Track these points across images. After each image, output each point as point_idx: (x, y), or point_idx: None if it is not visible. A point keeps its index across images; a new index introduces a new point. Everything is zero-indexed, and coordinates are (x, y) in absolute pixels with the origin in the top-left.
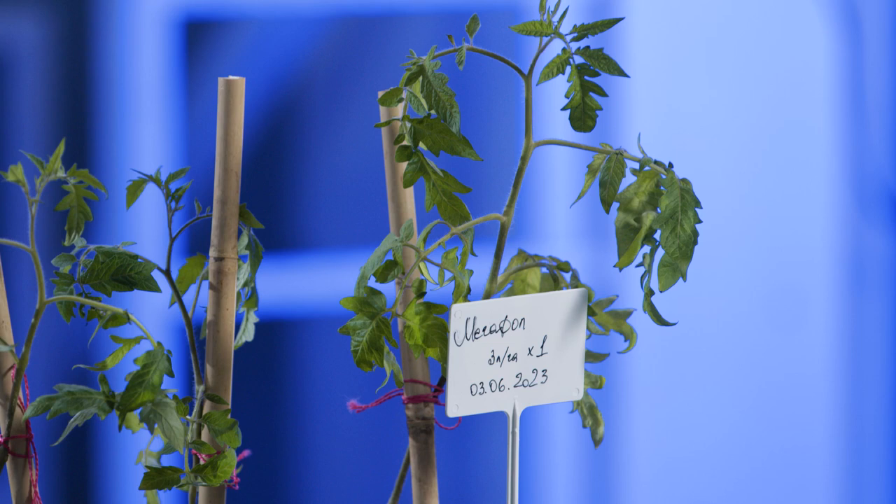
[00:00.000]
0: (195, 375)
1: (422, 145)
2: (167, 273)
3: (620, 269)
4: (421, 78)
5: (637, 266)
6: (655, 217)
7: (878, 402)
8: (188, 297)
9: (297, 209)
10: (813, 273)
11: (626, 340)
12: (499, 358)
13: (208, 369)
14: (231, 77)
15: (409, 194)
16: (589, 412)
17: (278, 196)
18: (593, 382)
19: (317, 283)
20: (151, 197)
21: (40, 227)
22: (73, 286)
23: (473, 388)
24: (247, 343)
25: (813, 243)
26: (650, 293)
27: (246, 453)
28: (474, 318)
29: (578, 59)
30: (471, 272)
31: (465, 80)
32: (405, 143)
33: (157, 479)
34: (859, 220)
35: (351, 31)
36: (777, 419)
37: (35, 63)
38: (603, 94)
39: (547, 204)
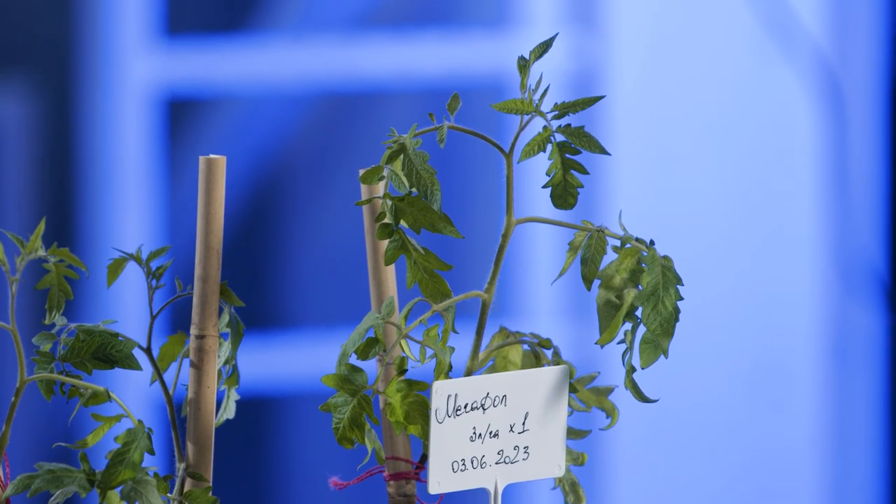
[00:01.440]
0: (176, 453)
1: (403, 223)
2: (148, 351)
3: (602, 346)
4: (402, 156)
5: (619, 343)
6: (637, 294)
7: (863, 480)
8: (169, 375)
9: (278, 287)
10: (797, 350)
11: (607, 417)
12: (480, 435)
13: (189, 447)
14: (212, 156)
15: (390, 272)
16: (571, 489)
17: (260, 274)
18: (575, 459)
19: (298, 360)
20: (132, 275)
21: (21, 305)
22: (54, 364)
23: (455, 465)
24: (228, 420)
25: (797, 320)
26: (632, 370)
27: None
28: (456, 395)
29: (560, 137)
30: (452, 349)
31: (446, 158)
32: (386, 220)
33: None
34: (844, 298)
35: (333, 110)
36: (761, 495)
37: (18, 140)
38: (584, 171)
39: (528, 281)
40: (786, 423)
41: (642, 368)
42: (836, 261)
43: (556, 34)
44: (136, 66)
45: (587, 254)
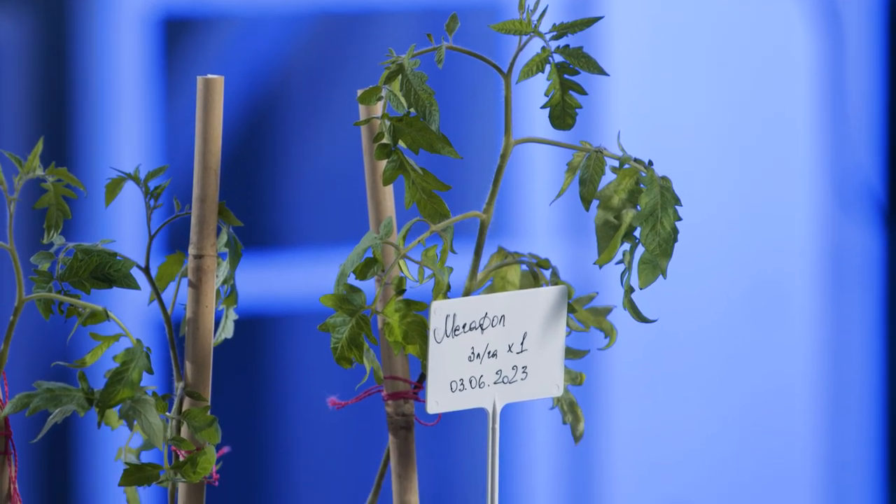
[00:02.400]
0: (175, 372)
1: (401, 143)
2: (146, 270)
3: (600, 267)
4: (400, 76)
5: (617, 263)
6: (635, 215)
7: (860, 397)
8: (167, 295)
9: (276, 207)
10: (793, 269)
11: (606, 337)
12: (479, 355)
13: (188, 366)
14: (209, 76)
15: (388, 192)
16: (569, 408)
17: (258, 194)
18: (573, 379)
19: (297, 280)
20: (130, 195)
21: (19, 225)
22: (52, 284)
23: (453, 385)
24: (226, 340)
25: (794, 239)
26: (630, 290)
27: (226, 450)
28: (454, 315)
29: (558, 58)
30: (450, 269)
31: (444, 79)
32: (384, 141)
33: (136, 475)
34: (839, 216)
35: (331, 29)
36: (758, 414)
37: (14, 62)
38: (583, 92)
39: (527, 201)
40: (782, 342)
41: (640, 288)
42: (832, 179)
43: None
44: None
45: (585, 174)
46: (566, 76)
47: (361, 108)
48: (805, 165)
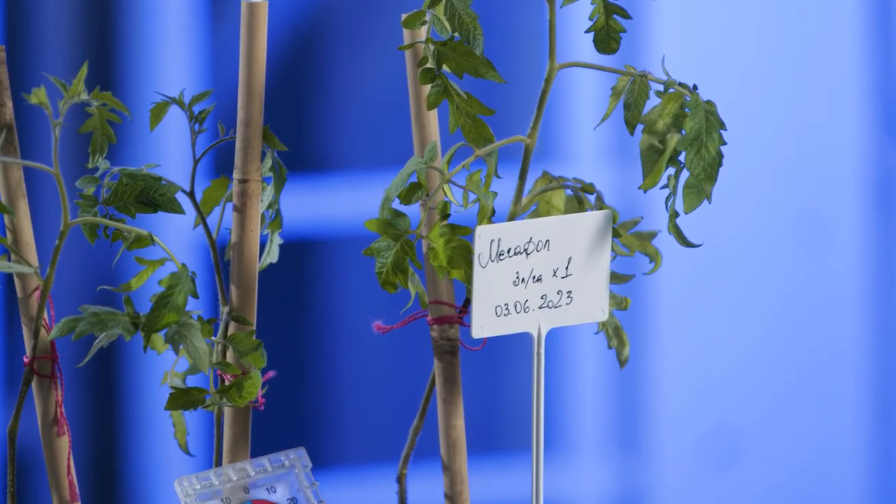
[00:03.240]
0: (220, 297)
1: (445, 68)
2: (191, 195)
3: (645, 191)
4: (444, 0)
5: (662, 188)
6: (680, 139)
7: None
8: (212, 220)
9: (321, 131)
10: (840, 194)
11: (651, 261)
12: (523, 279)
13: (233, 290)
14: (254, 0)
15: (432, 117)
16: (614, 333)
17: (303, 118)
18: (618, 303)
19: (341, 203)
20: (175, 119)
21: (64, 149)
22: (98, 208)
23: (498, 310)
24: (271, 264)
25: (840, 165)
26: (675, 215)
27: (271, 374)
28: (499, 239)
29: None
30: (495, 194)
31: (488, 2)
32: (429, 65)
33: (182, 399)
34: (887, 141)
35: None
36: (804, 339)
37: None
38: (627, 16)
39: (571, 126)
40: (828, 268)
41: (685, 213)
42: (879, 104)
43: None
44: None
45: (630, 98)
46: (610, 0)
47: (406, 32)
48: (852, 90)
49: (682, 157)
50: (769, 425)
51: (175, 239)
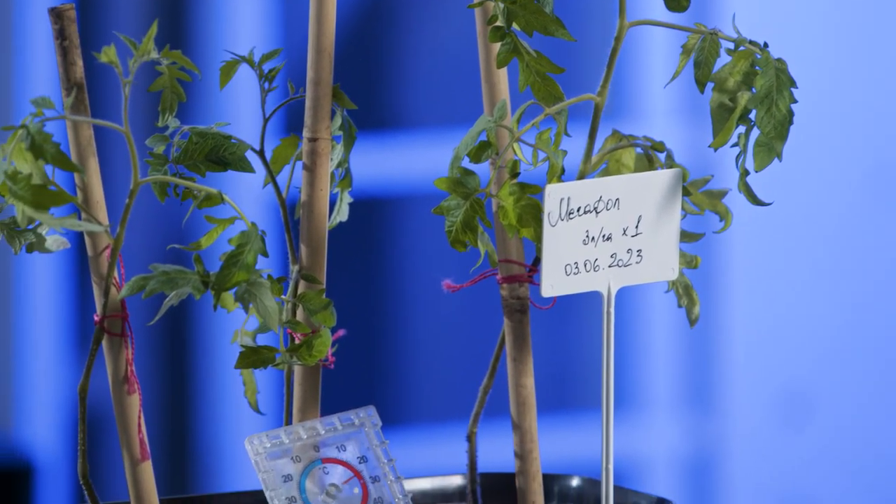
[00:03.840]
0: (290, 256)
1: (515, 26)
2: (261, 154)
3: (715, 150)
4: None
5: (732, 146)
6: (750, 97)
7: None
8: (282, 178)
9: (391, 89)
10: None
11: (721, 220)
12: (593, 238)
13: (303, 249)
14: None
15: (502, 75)
16: (684, 292)
17: (372, 76)
18: (688, 262)
19: (411, 162)
20: (245, 78)
21: (134, 108)
22: (167, 167)
23: (568, 268)
24: (341, 223)
25: None
26: (745, 173)
27: (341, 332)
28: (568, 198)
29: None
30: (565, 153)
31: None
32: (498, 23)
33: (252, 357)
34: None
35: None
36: (878, 297)
37: None
38: None
39: (641, 84)
40: None
41: (756, 171)
42: None
43: None
44: None
45: (700, 56)
46: None
47: None
48: None
49: (752, 116)
50: (842, 386)
51: (245, 198)
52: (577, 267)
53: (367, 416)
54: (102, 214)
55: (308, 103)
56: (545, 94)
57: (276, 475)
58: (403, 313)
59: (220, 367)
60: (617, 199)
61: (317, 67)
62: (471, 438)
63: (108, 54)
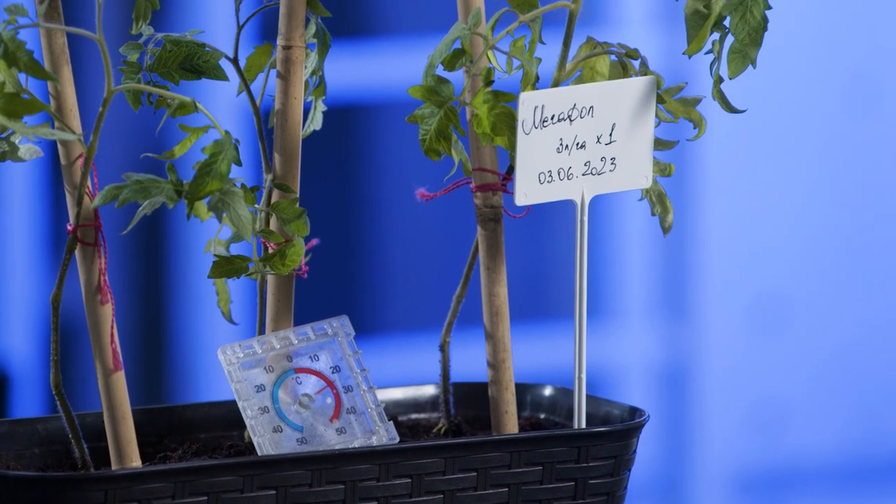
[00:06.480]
0: (263, 164)
1: None
2: (235, 62)
3: (690, 57)
4: None
5: (706, 53)
6: (725, 3)
7: None
8: (256, 87)
9: None
10: (888, 57)
11: (695, 128)
12: (567, 146)
13: (276, 158)
14: None
15: None
16: (658, 200)
17: None
18: (662, 170)
19: (386, 70)
20: None
21: (108, 16)
22: (141, 75)
23: (542, 177)
24: (315, 131)
25: (890, 29)
26: (720, 80)
27: (314, 242)
28: (542, 106)
29: None
30: (539, 60)
31: None
32: None
33: (225, 267)
34: None
35: None
36: (853, 205)
37: None
38: None
39: None
40: (876, 131)
41: (730, 78)
42: None
43: None
44: None
45: None
46: None
47: None
48: None
49: (727, 22)
50: (817, 293)
51: (219, 106)
52: (550, 175)
53: (341, 326)
54: (76, 123)
55: (282, 11)
56: (520, 1)
57: (248, 385)
58: (377, 222)
59: (194, 277)
60: (591, 107)
61: None
62: (443, 348)
63: None
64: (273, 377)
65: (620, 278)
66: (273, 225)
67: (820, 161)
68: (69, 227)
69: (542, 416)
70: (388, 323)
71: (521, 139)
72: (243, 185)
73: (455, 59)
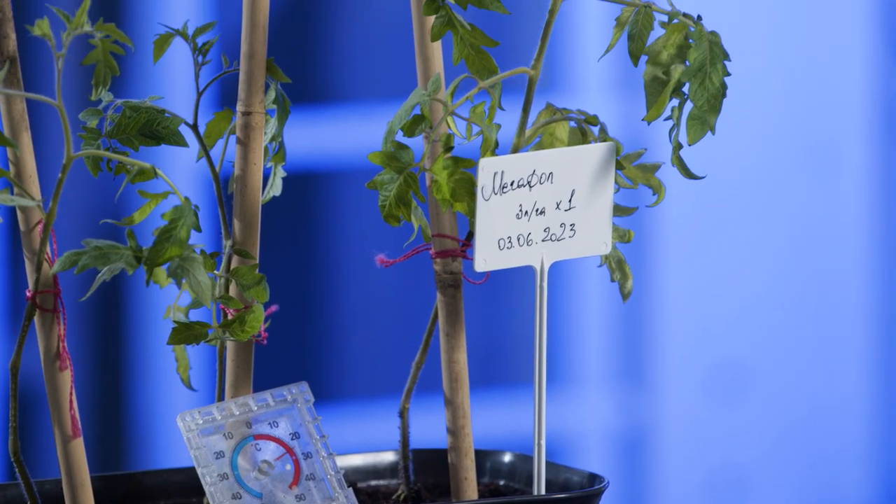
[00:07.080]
0: (223, 230)
1: None
2: (194, 127)
3: (649, 123)
4: None
5: (666, 119)
6: (684, 70)
7: None
8: (216, 152)
9: (325, 63)
10: (846, 123)
11: (654, 194)
12: (526, 212)
13: (236, 224)
14: None
15: (436, 48)
16: (617, 266)
17: (306, 50)
18: (621, 236)
19: (345, 136)
20: (179, 51)
21: (67, 82)
22: (101, 141)
23: (501, 243)
24: (275, 197)
25: (845, 93)
26: (679, 146)
27: (274, 308)
28: (502, 172)
29: None
30: (498, 126)
31: None
32: None
33: (185, 333)
34: (893, 68)
35: None
36: (810, 271)
37: None
38: None
39: (575, 58)
40: (835, 197)
41: (689, 145)
42: (885, 30)
43: None
44: None
45: (634, 29)
46: None
47: None
48: (856, 15)
49: (685, 89)
50: (775, 361)
51: (178, 172)
52: (510, 241)
53: (300, 392)
54: (35, 189)
55: (242, 77)
56: (479, 67)
57: (208, 452)
58: (337, 288)
59: (153, 344)
60: (550, 173)
61: (251, 41)
62: (403, 414)
63: (41, 27)
64: (232, 444)
65: (579, 345)
66: (232, 291)
67: (778, 227)
68: (28, 294)
69: (502, 482)
70: (347, 389)
71: (481, 205)
72: (203, 252)
73: (415, 124)
